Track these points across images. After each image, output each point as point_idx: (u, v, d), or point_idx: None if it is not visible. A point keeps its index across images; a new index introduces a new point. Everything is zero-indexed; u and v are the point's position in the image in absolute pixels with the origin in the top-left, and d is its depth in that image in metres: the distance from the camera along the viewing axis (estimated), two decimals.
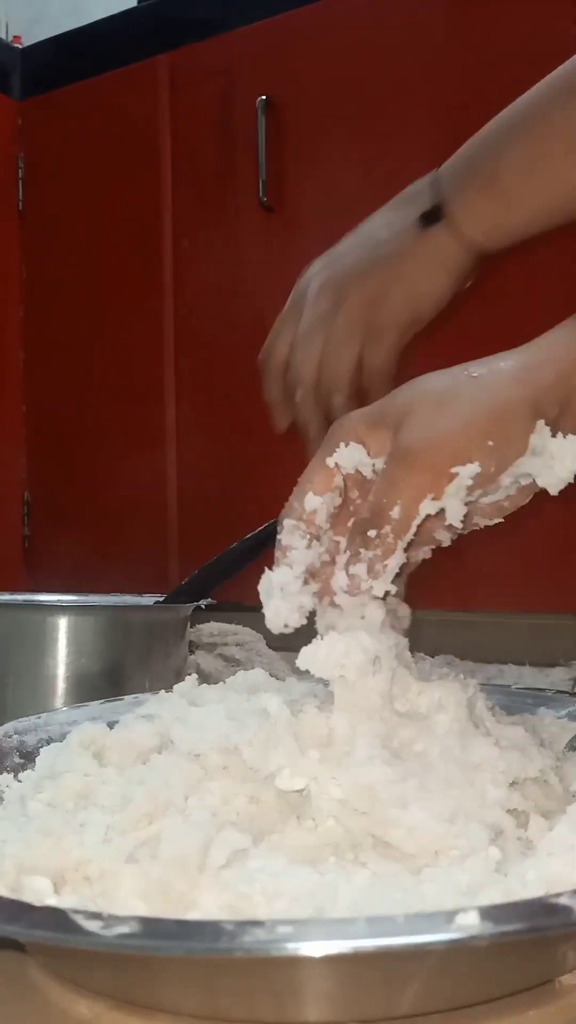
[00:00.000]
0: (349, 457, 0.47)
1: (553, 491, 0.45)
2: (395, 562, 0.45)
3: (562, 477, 0.45)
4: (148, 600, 0.91)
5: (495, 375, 0.46)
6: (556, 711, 0.58)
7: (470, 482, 0.44)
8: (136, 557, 1.55)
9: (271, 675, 0.56)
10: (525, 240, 0.69)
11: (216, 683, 0.55)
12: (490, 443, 0.44)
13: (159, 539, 1.53)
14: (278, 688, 0.53)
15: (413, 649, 0.49)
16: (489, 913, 0.29)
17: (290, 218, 1.41)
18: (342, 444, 0.47)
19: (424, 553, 0.51)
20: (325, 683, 0.46)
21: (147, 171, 1.55)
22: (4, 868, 0.38)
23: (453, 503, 0.45)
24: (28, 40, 1.78)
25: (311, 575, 0.47)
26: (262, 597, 0.47)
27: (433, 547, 0.50)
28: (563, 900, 0.30)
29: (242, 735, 0.44)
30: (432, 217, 0.69)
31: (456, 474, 0.44)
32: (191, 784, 0.44)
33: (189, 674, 0.55)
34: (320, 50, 1.39)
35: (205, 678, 0.55)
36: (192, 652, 1.02)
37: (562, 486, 0.45)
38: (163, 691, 0.57)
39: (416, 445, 0.44)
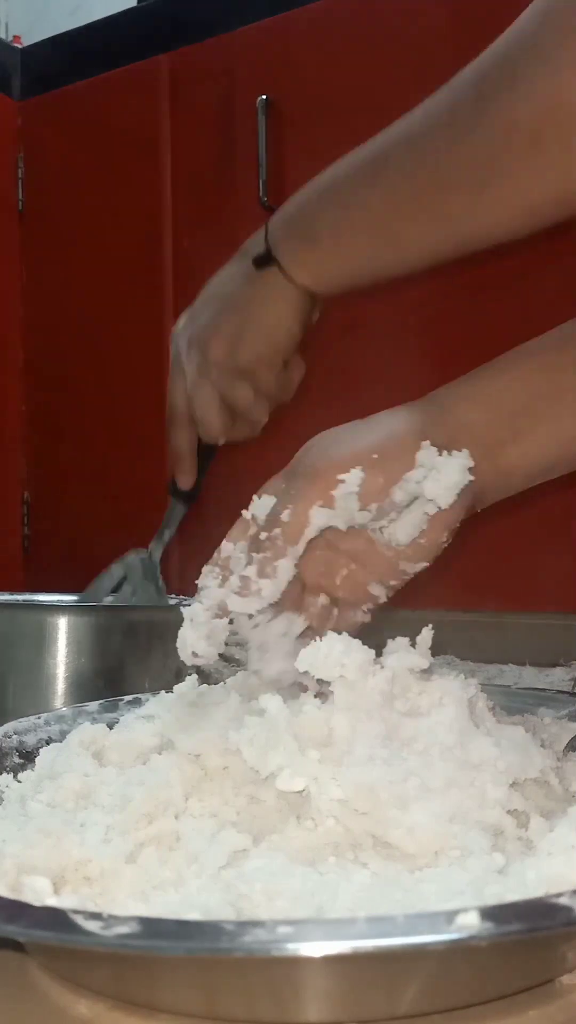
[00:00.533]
0: (263, 507, 0.51)
1: (443, 503, 0.49)
2: (285, 564, 0.49)
3: (448, 487, 0.49)
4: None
5: (386, 415, 0.52)
6: (556, 711, 0.58)
7: (357, 489, 0.48)
8: None
9: None
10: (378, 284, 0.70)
11: (216, 683, 0.55)
12: (375, 456, 0.48)
13: None
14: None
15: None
16: (489, 913, 0.29)
17: None
18: (255, 496, 0.52)
19: (363, 616, 0.54)
20: (326, 683, 0.46)
21: (147, 171, 1.55)
22: (4, 868, 0.38)
23: (340, 513, 0.49)
24: (28, 40, 1.78)
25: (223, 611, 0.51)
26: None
27: (371, 606, 0.53)
28: (563, 900, 0.30)
29: (242, 735, 0.44)
30: (264, 261, 0.72)
31: (342, 480, 0.48)
32: (191, 784, 0.44)
33: (189, 674, 0.55)
34: (320, 50, 1.39)
35: (205, 678, 0.55)
36: None
37: (451, 498, 0.49)
38: (163, 691, 0.57)
39: (308, 463, 0.50)
